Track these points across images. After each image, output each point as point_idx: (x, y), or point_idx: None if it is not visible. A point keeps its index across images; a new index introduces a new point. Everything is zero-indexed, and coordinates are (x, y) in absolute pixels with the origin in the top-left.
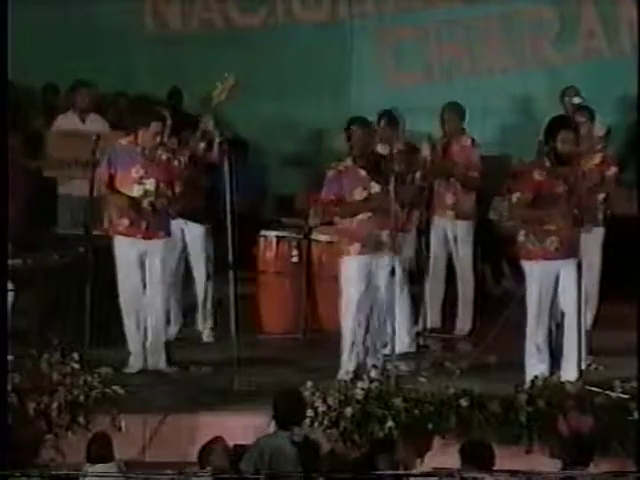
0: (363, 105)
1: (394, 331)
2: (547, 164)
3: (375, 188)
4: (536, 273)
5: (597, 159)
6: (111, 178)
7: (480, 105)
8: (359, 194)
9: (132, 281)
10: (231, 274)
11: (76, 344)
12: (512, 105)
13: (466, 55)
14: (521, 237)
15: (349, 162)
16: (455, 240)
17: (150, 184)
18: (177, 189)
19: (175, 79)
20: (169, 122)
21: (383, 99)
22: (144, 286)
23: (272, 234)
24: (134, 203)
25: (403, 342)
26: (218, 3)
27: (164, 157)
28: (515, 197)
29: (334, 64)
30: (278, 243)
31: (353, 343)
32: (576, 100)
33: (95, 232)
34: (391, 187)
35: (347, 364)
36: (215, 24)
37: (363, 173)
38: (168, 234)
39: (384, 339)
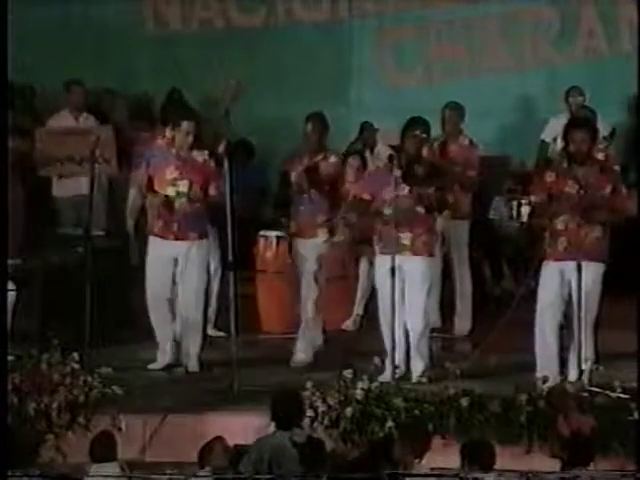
0: (363, 105)
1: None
2: (564, 164)
3: (404, 190)
4: (548, 273)
5: (600, 158)
6: (150, 180)
7: (480, 105)
8: (388, 194)
9: (161, 280)
10: (231, 274)
11: (76, 344)
12: (512, 105)
13: (466, 55)
14: (545, 238)
15: (387, 161)
16: (451, 239)
17: (183, 185)
18: (213, 191)
19: (175, 79)
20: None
21: (383, 99)
22: (174, 284)
23: (272, 234)
24: (167, 204)
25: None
26: (218, 3)
27: (200, 159)
28: (531, 201)
29: (334, 64)
30: (278, 243)
31: (392, 343)
32: (580, 100)
33: (97, 232)
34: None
35: (389, 365)
36: (215, 24)
37: (398, 174)
38: (202, 236)
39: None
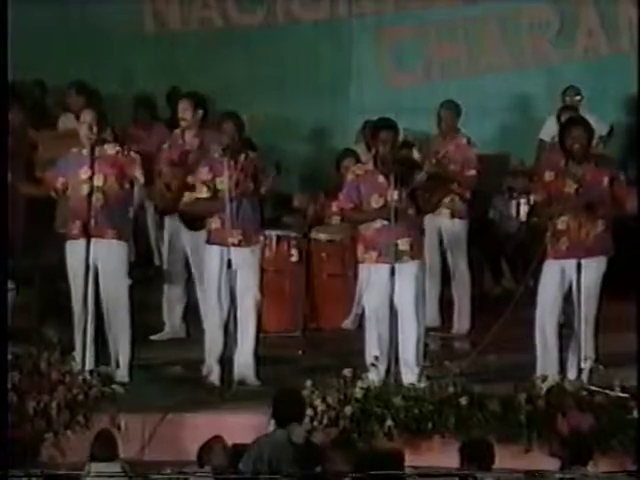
0: (363, 105)
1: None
2: (561, 164)
3: (394, 195)
4: (549, 271)
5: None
6: (62, 185)
7: (479, 104)
8: (376, 201)
9: (81, 285)
10: (230, 273)
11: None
12: (511, 104)
13: (465, 54)
14: (546, 237)
15: (370, 166)
16: (450, 238)
17: (98, 180)
18: (140, 178)
19: (175, 79)
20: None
21: (383, 99)
22: (96, 288)
23: (272, 233)
24: (80, 202)
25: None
26: (217, 2)
27: (111, 152)
28: (530, 200)
29: (334, 63)
30: (278, 242)
31: (377, 351)
32: (577, 99)
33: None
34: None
35: (373, 373)
36: (214, 23)
37: (382, 179)
38: (121, 236)
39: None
